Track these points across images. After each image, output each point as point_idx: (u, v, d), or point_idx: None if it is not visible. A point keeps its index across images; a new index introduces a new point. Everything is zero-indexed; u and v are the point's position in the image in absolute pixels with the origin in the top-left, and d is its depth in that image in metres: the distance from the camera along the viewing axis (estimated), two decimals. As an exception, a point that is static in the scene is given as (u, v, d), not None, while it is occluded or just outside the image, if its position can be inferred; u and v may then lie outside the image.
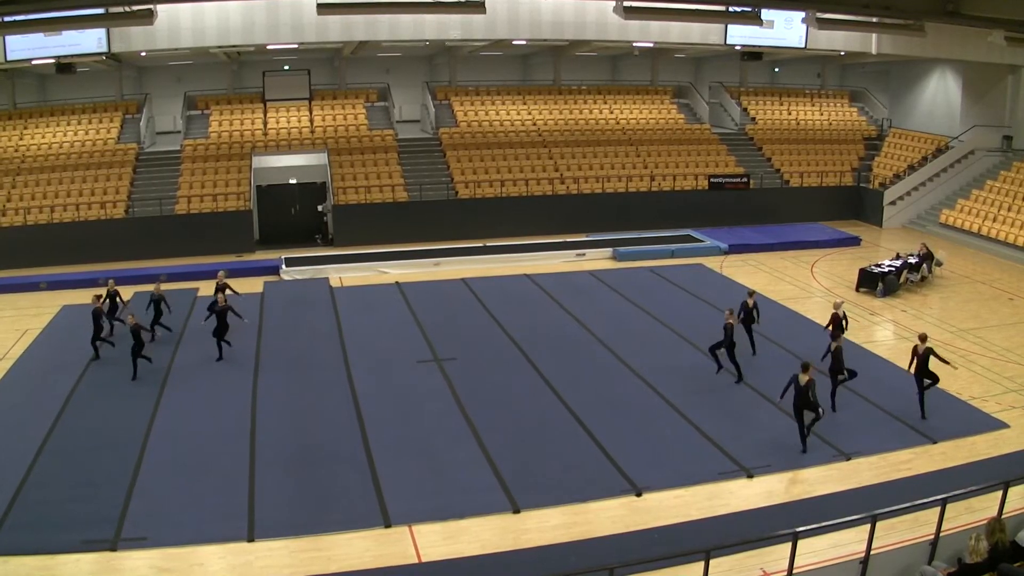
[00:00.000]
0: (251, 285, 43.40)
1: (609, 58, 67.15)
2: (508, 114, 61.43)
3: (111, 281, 37.54)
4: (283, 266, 46.48)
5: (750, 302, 32.81)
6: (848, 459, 24.74)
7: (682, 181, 56.79)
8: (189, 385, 31.04)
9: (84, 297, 41.32)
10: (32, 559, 20.41)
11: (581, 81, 65.72)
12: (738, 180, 56.87)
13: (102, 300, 34.84)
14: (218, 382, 31.37)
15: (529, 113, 61.72)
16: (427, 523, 21.83)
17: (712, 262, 47.56)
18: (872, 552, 16.60)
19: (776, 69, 70.28)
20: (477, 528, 21.65)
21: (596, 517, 21.98)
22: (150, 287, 38.35)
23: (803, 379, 25.04)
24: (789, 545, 16.38)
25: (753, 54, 57.84)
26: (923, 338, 27.76)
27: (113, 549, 20.77)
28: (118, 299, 36.70)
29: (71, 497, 23.18)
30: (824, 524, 18.00)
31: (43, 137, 55.64)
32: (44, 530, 21.53)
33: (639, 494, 22.95)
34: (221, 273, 37.25)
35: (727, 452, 24.99)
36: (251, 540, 21.15)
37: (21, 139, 55.30)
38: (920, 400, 27.55)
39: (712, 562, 16.52)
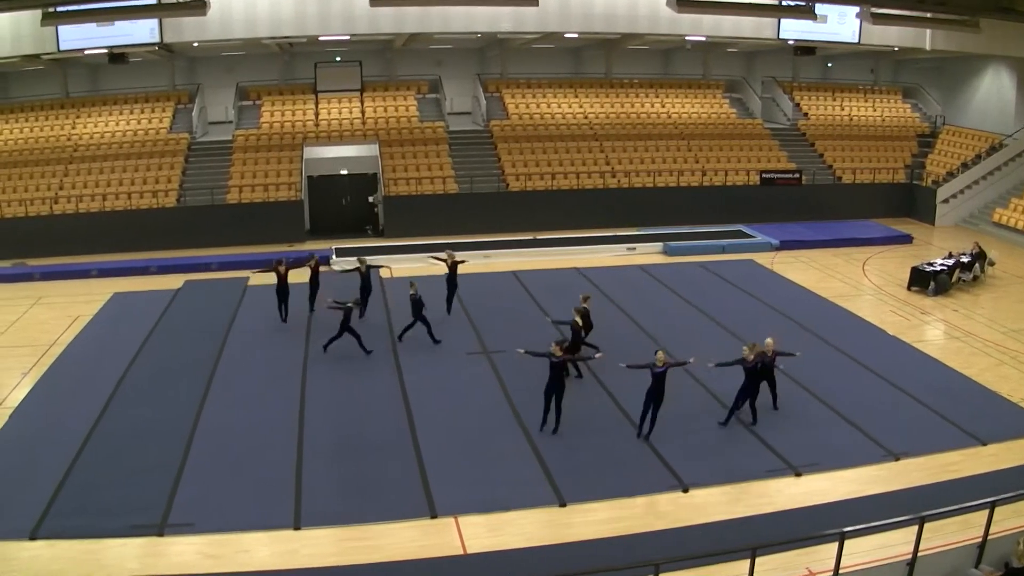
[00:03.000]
0: (302, 275, 43.61)
1: (661, 52, 66.76)
2: (559, 107, 61.34)
3: (315, 258, 38.13)
4: (333, 256, 46.72)
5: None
6: (897, 459, 24.60)
7: (733, 176, 56.59)
8: (238, 374, 31.33)
9: (134, 284, 42.05)
10: (79, 543, 20.70)
11: (633, 75, 65.40)
12: (790, 176, 56.52)
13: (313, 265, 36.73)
14: (267, 370, 31.66)
15: (580, 106, 61.62)
16: (473, 515, 21.95)
17: (763, 258, 47.36)
18: (919, 554, 16.55)
19: (829, 64, 69.59)
20: (522, 521, 21.74)
21: (642, 512, 22.04)
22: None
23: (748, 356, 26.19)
24: (836, 545, 16.37)
25: (806, 49, 57.41)
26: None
27: (160, 534, 21.06)
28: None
29: (119, 482, 23.51)
30: (871, 524, 17.93)
31: (95, 126, 56.15)
32: (91, 514, 21.84)
33: (686, 490, 22.97)
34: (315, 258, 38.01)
35: (775, 450, 24.94)
36: (297, 528, 21.38)
37: (73, 128, 55.83)
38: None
39: (758, 560, 16.53)
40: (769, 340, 27.54)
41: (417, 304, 33.25)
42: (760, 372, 26.97)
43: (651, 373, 25.61)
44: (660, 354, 25.71)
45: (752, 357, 26.51)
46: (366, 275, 36.56)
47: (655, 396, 25.72)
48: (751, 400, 27.03)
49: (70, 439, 25.90)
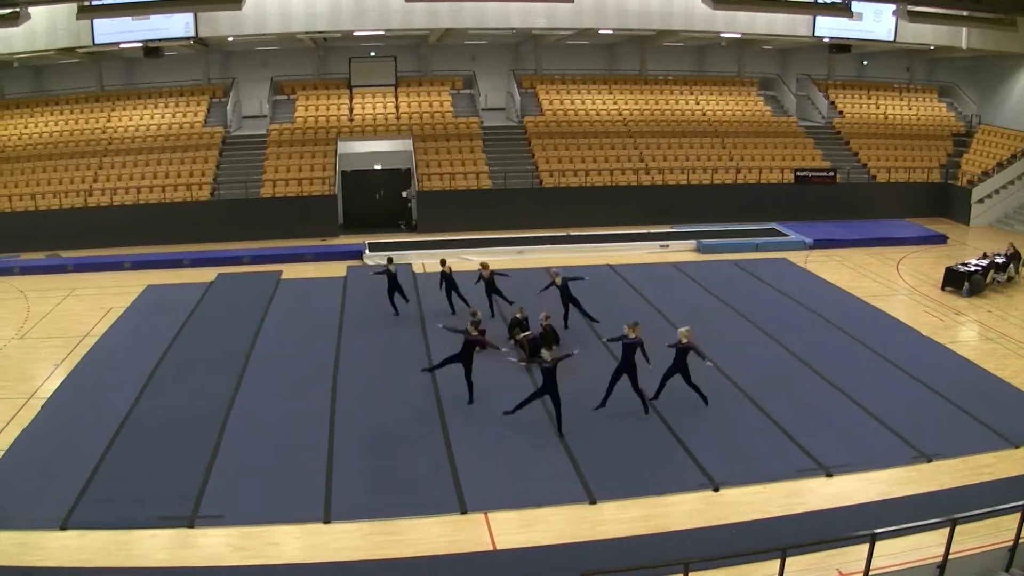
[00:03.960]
0: (334, 269, 43.87)
1: (695, 48, 66.65)
2: (593, 103, 61.25)
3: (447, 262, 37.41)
4: (366, 251, 46.85)
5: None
6: (929, 461, 24.36)
7: (768, 174, 56.34)
8: (270, 367, 31.46)
9: (167, 277, 42.35)
10: (109, 533, 20.78)
11: (667, 71, 65.30)
12: (824, 174, 56.22)
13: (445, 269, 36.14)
14: (299, 364, 31.73)
15: (615, 103, 61.51)
16: (503, 511, 21.88)
17: (797, 257, 47.14)
18: (950, 556, 16.43)
19: (864, 62, 69.25)
20: (553, 517, 21.67)
21: (673, 511, 21.91)
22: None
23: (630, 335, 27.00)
24: (866, 546, 16.25)
25: (841, 46, 57.10)
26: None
27: (190, 526, 21.12)
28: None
29: (149, 473, 23.62)
30: (902, 526, 17.79)
31: (130, 119, 56.49)
32: (122, 505, 21.94)
33: (716, 489, 22.85)
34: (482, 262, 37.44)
35: (806, 449, 24.77)
36: (327, 522, 21.39)
37: (108, 121, 56.17)
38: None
39: (788, 560, 16.45)
40: (684, 329, 27.68)
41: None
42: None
43: (622, 345, 26.77)
44: (630, 328, 27.08)
45: (634, 335, 27.20)
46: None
47: (625, 368, 26.95)
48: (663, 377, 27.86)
49: (101, 430, 26.06)
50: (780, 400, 28.06)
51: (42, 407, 27.88)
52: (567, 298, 34.20)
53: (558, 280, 34.16)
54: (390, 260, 37.05)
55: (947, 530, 16.49)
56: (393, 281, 36.51)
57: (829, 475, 23.51)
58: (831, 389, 29.07)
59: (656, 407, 27.51)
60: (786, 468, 23.88)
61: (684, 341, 27.14)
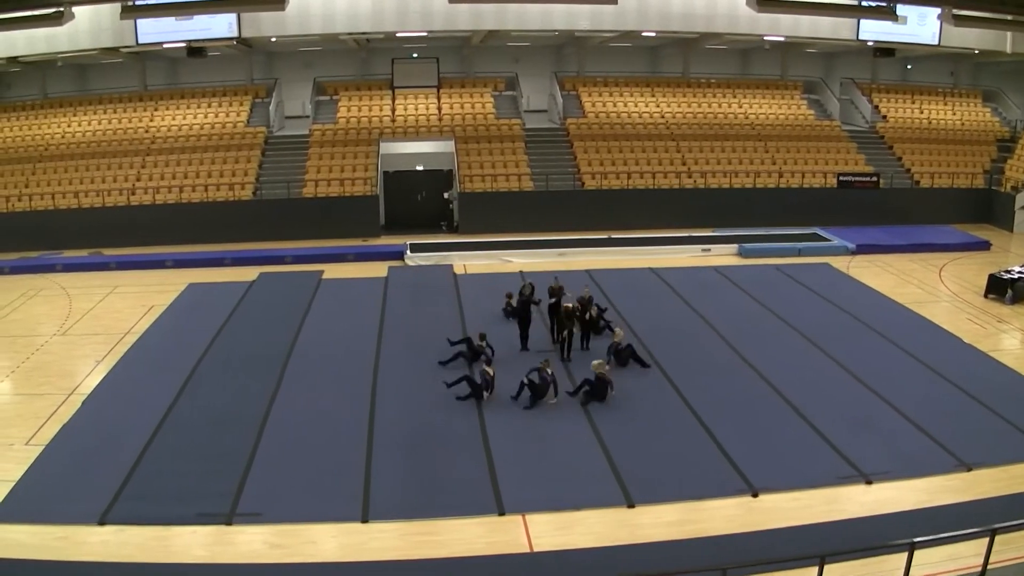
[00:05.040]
0: (375, 269, 43.97)
1: (739, 51, 66.50)
2: (636, 106, 61.18)
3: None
4: (408, 251, 46.95)
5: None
6: (969, 469, 24.12)
7: (810, 178, 56.06)
8: (311, 366, 31.59)
9: (209, 275, 42.61)
10: (147, 529, 20.97)
11: (710, 74, 65.15)
12: (867, 179, 55.88)
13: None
14: (339, 364, 31.84)
15: (657, 105, 61.41)
16: (540, 512, 21.88)
17: (839, 262, 46.83)
18: (989, 566, 16.34)
19: (908, 66, 68.84)
20: (591, 520, 21.64)
21: (711, 516, 21.85)
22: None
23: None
24: (905, 555, 16.20)
25: (885, 50, 56.77)
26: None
27: (228, 523, 21.28)
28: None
29: (189, 470, 23.81)
30: (942, 535, 17.73)
31: (173, 119, 56.95)
32: (161, 501, 22.13)
33: (755, 494, 22.75)
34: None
35: (846, 456, 24.59)
36: (365, 521, 21.48)
37: (151, 120, 56.61)
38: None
39: (826, 568, 16.42)
40: (619, 331, 29.32)
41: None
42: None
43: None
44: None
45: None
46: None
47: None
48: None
49: (142, 426, 26.30)
50: (821, 406, 27.86)
51: (83, 403, 28.16)
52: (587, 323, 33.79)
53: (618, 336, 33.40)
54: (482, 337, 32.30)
55: (987, 540, 16.41)
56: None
57: (869, 482, 23.35)
58: (872, 395, 28.85)
59: (696, 411, 27.48)
60: (826, 474, 23.73)
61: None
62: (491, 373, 28.65)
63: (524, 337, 32.93)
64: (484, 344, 31.02)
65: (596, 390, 27.94)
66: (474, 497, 22.60)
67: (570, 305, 32.09)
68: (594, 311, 33.61)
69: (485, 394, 28.21)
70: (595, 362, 28.71)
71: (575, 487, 23.05)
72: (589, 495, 22.66)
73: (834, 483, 23.33)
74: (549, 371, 28.07)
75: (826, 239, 50.78)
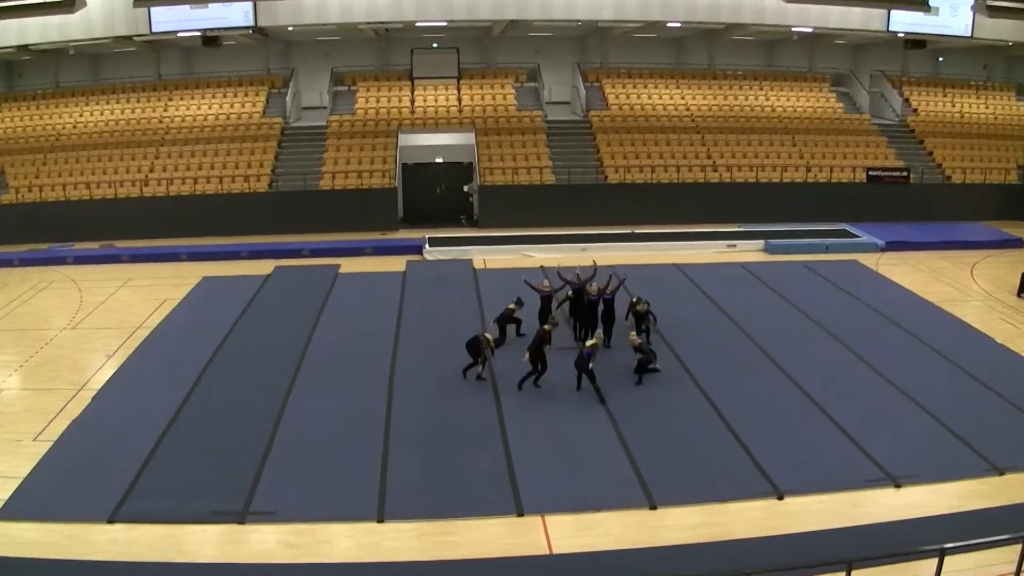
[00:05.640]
0: (393, 264, 44.00)
1: (765, 43, 66.26)
2: (660, 98, 61.01)
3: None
4: (426, 246, 47.00)
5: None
6: (1001, 474, 23.92)
7: (839, 173, 55.85)
8: (326, 362, 31.62)
9: (224, 269, 42.69)
10: (159, 527, 21.00)
11: (736, 66, 64.99)
12: (897, 174, 55.63)
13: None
14: (356, 360, 31.86)
15: (682, 98, 61.25)
16: (560, 514, 21.84)
17: (868, 259, 46.66)
18: (1021, 574, 16.21)
19: (940, 59, 68.42)
20: (611, 522, 21.58)
21: (735, 519, 21.75)
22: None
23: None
24: (935, 561, 16.09)
25: (916, 42, 56.50)
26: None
27: (241, 522, 21.29)
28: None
29: (202, 467, 23.88)
30: (973, 541, 17.60)
31: (187, 109, 57.09)
32: (172, 498, 22.17)
33: (780, 497, 22.64)
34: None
35: (874, 458, 24.45)
36: (380, 520, 21.46)
37: (166, 110, 56.73)
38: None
39: (854, 574, 16.30)
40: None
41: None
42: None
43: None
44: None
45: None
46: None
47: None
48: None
49: (153, 422, 26.34)
50: (848, 407, 27.70)
51: (93, 398, 28.26)
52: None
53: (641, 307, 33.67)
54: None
55: (1019, 547, 16.28)
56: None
57: (897, 486, 23.20)
58: (901, 396, 28.68)
59: (720, 411, 27.42)
60: (853, 477, 23.60)
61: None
62: (490, 340, 29.50)
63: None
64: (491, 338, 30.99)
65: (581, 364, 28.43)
66: (492, 497, 22.57)
67: (639, 301, 32.94)
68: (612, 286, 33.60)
69: (483, 362, 29.37)
70: (589, 342, 28.94)
71: (596, 487, 22.99)
72: (610, 496, 22.59)
73: (861, 486, 23.21)
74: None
75: (855, 236, 50.58)
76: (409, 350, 32.76)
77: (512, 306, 32.86)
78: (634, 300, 33.29)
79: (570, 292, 33.84)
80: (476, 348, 29.37)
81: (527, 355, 28.65)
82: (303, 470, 23.82)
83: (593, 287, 32.97)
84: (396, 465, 24.06)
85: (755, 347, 33.14)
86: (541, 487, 22.99)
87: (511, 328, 33.08)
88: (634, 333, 30.20)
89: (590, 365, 27.75)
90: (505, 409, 27.62)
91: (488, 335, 29.88)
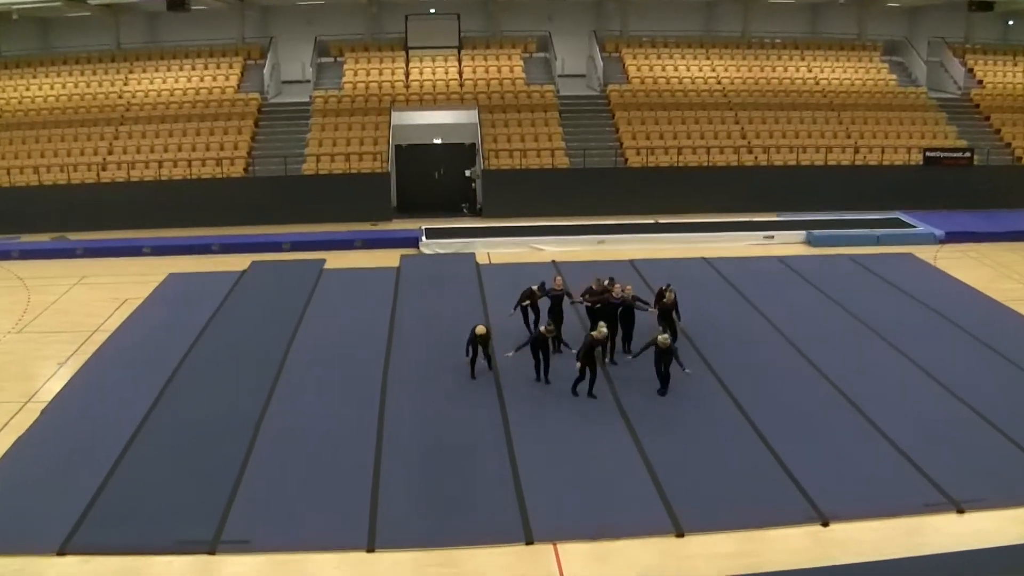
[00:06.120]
0: (386, 259, 44.00)
1: (808, 7, 66.21)
2: (688, 70, 61.02)
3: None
4: (423, 238, 47.06)
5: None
6: (1079, 497, 23.99)
7: (891, 154, 55.72)
8: (309, 370, 31.58)
9: (193, 264, 42.67)
10: (117, 559, 20.89)
11: (774, 34, 64.93)
12: (959, 155, 55.44)
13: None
14: (343, 368, 31.81)
15: (712, 70, 61.25)
16: (575, 541, 21.73)
17: (924, 252, 46.58)
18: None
19: (1010, 23, 68.26)
20: (633, 550, 21.48)
21: (773, 547, 21.68)
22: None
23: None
24: (1003, 597, 16.03)
25: (982, 4, 56.41)
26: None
27: (211, 552, 21.18)
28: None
29: (166, 490, 23.75)
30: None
31: (151, 83, 57.07)
32: (133, 527, 22.06)
33: (825, 523, 22.51)
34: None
35: (933, 480, 24.32)
36: (371, 550, 21.36)
37: (126, 84, 56.74)
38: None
39: (910, 611, 16.25)
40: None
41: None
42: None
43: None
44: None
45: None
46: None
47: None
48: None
49: (112, 439, 26.26)
50: (903, 421, 27.55)
51: (42, 412, 28.19)
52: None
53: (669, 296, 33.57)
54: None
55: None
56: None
57: (960, 511, 23.09)
58: (964, 409, 28.54)
59: (756, 424, 27.33)
60: (909, 501, 23.48)
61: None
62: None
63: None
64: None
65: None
66: (498, 522, 22.46)
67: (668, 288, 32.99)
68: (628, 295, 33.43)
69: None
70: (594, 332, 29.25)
71: (615, 511, 22.88)
72: (631, 521, 22.47)
73: (919, 511, 23.10)
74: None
75: (910, 225, 50.58)
76: (404, 356, 32.73)
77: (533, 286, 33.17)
78: (664, 288, 33.28)
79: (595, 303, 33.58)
80: (541, 346, 29.57)
81: (577, 363, 28.83)
82: (283, 492, 23.70)
83: (616, 288, 32.90)
84: (389, 486, 23.97)
85: (795, 352, 33.11)
86: (553, 511, 22.89)
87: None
88: (666, 336, 29.95)
89: (605, 359, 27.89)
90: (512, 421, 27.58)
91: (544, 328, 30.10)
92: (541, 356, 29.73)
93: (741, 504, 23.29)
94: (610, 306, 32.50)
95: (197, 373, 31.28)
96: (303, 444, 26.17)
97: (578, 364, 28.70)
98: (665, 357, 28.98)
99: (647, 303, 33.18)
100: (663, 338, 28.91)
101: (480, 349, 30.42)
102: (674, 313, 32.80)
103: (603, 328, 29.66)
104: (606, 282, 33.04)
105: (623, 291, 32.61)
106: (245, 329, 35.47)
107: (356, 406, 28.61)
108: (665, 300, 32.66)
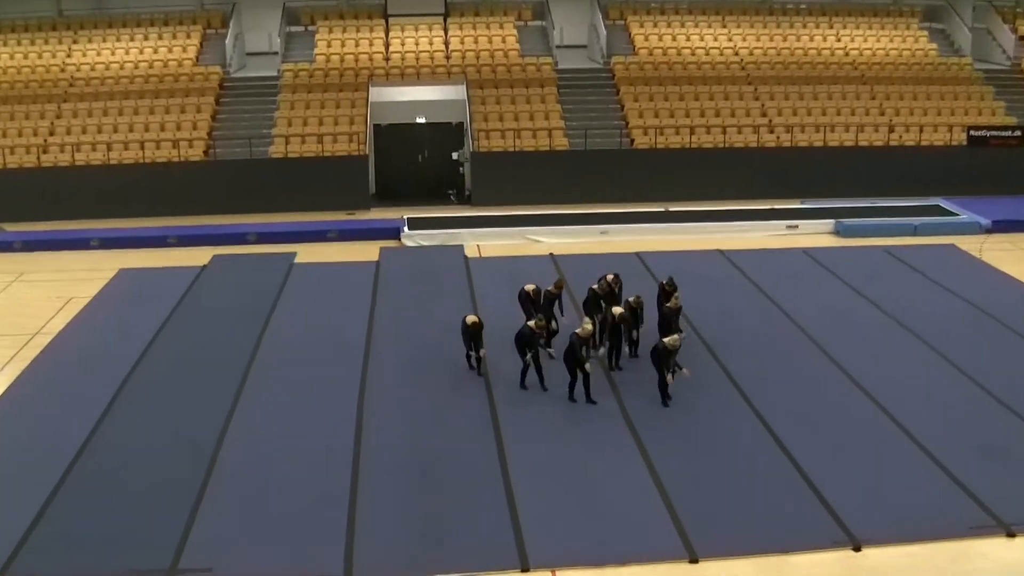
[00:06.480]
0: (364, 252, 44.01)
1: (838, -33, 66.32)
2: (702, 40, 61.08)
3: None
4: (405, 228, 47.17)
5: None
6: None
7: (931, 134, 55.78)
8: (278, 378, 31.58)
9: (147, 259, 42.55)
10: (61, 592, 20.90)
11: (799, -1, 65.04)
12: (1008, 134, 55.52)
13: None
14: (316, 375, 31.81)
15: (729, 39, 61.29)
16: (576, 568, 21.70)
17: (969, 243, 46.68)
18: None
19: (1067, -18, 68.49)
20: (641, 579, 21.65)
21: (798, 574, 21.71)
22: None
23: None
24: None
25: (1036, -38, 56.59)
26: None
27: (168, 581, 21.21)
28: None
29: (117, 512, 23.66)
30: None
31: (98, 55, 56.93)
32: (79, 552, 21.96)
33: (857, 548, 22.46)
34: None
35: (979, 499, 24.30)
36: (348, 580, 21.45)
37: (69, 56, 56.67)
38: None
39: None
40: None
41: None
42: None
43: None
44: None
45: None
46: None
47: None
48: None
49: (56, 454, 26.19)
50: (945, 433, 27.54)
51: (-24, 424, 28.24)
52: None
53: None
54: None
55: None
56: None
57: (1010, 535, 23.02)
58: (1015, 420, 28.52)
59: (779, 437, 27.34)
60: (952, 523, 23.41)
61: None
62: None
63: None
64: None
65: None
66: (491, 547, 22.40)
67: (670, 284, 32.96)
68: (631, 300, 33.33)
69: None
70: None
71: (620, 534, 22.84)
72: (639, 545, 22.43)
73: (963, 534, 23.04)
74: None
75: (952, 213, 50.71)
76: (384, 363, 32.76)
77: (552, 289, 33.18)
78: (665, 284, 33.36)
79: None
80: (528, 342, 29.67)
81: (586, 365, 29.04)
82: (249, 515, 23.63)
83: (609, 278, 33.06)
84: (367, 508, 23.91)
85: (823, 356, 33.15)
86: (552, 535, 22.83)
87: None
88: (676, 336, 29.85)
89: (595, 352, 28.01)
90: (505, 434, 27.59)
91: (532, 323, 30.09)
92: (530, 357, 29.77)
93: (762, 526, 23.27)
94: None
95: (151, 382, 31.22)
96: (271, 461, 26.12)
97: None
98: (666, 361, 29.12)
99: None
100: (671, 340, 29.00)
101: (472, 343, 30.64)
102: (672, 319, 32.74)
103: (587, 325, 29.87)
104: (610, 277, 33.21)
105: (611, 283, 32.68)
106: (205, 332, 35.46)
107: (330, 418, 28.57)
108: (671, 305, 32.54)
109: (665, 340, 28.88)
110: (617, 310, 31.49)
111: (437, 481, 25.17)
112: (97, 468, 25.68)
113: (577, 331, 29.06)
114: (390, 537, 22.74)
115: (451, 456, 26.47)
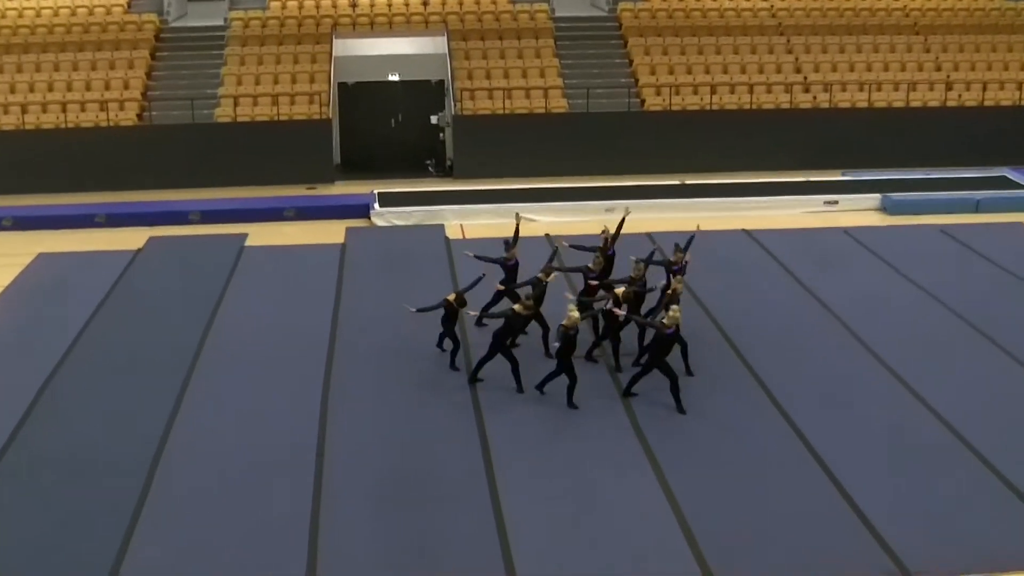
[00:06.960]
0: (328, 232, 43.95)
1: None
2: (725, -17, 61.02)
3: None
4: (376, 205, 47.20)
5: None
6: None
7: (995, 92, 55.79)
8: (227, 377, 31.63)
9: (72, 242, 42.47)
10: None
11: (840, -65, 64.99)
12: (1086, 93, 55.75)
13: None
14: (272, 374, 31.80)
15: (757, -17, 61.25)
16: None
17: (1040, 222, 46.87)
18: None
19: None
20: (652, 609, 21.52)
21: (839, 607, 21.73)
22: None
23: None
24: None
25: None
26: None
27: (103, 609, 21.10)
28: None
29: (41, 531, 23.50)
30: None
31: (11, 1, 56.61)
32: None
33: (910, 579, 22.63)
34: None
35: (1056, 525, 24.45)
36: (310, 603, 21.38)
37: (-25, 3, 56.60)
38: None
39: None
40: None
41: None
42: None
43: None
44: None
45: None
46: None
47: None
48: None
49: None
50: (1013, 447, 27.45)
51: None
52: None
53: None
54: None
55: None
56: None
57: (1093, 567, 23.19)
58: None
59: (815, 449, 27.20)
60: (1021, 552, 23.55)
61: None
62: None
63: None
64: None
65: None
66: (475, 571, 22.28)
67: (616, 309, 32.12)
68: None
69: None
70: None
71: (625, 553, 22.74)
72: (646, 566, 22.38)
73: (1035, 566, 23.18)
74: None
75: (1021, 186, 50.71)
76: (351, 360, 32.78)
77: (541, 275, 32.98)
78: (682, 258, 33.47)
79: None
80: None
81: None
82: (194, 533, 23.49)
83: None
84: (332, 525, 23.77)
85: (867, 354, 33.12)
86: (545, 556, 22.70)
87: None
88: (676, 307, 29.63)
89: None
90: (492, 439, 27.59)
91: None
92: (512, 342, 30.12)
93: (798, 555, 23.08)
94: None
95: (77, 386, 31.15)
96: (221, 470, 26.05)
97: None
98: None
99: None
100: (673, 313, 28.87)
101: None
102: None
103: (573, 313, 29.54)
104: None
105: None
106: (141, 327, 35.37)
107: (289, 423, 28.53)
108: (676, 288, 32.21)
109: (665, 318, 28.71)
110: (619, 290, 31.57)
111: (412, 495, 24.98)
112: (13, 486, 25.53)
113: (563, 322, 29.01)
114: (358, 559, 22.58)
115: (430, 463, 26.46)
